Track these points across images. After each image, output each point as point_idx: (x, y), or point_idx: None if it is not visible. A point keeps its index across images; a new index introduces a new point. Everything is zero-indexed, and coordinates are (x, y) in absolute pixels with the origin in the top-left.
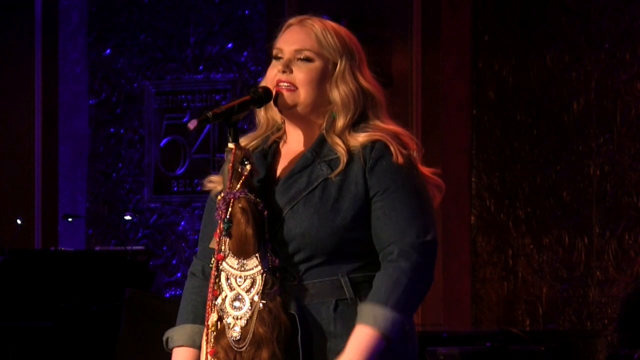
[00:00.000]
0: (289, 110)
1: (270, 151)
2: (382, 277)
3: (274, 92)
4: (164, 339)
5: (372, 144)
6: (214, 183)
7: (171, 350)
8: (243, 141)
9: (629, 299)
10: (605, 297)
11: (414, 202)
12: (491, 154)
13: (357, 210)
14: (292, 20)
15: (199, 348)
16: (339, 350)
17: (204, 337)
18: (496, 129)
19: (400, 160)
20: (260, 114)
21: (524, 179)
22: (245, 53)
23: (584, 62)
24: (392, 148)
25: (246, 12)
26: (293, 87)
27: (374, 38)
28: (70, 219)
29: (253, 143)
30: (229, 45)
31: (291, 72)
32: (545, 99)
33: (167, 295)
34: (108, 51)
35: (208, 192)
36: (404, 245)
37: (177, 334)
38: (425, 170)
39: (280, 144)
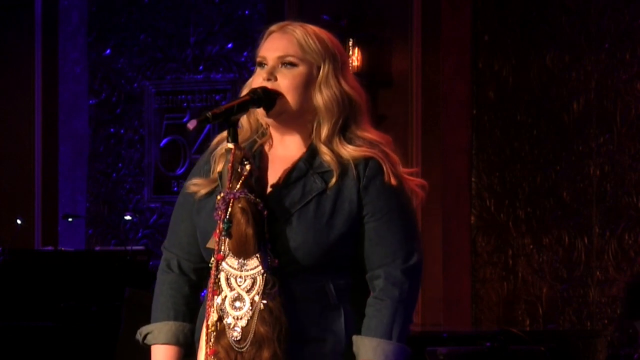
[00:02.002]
0: (277, 118)
1: (257, 155)
2: (381, 309)
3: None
4: (141, 334)
5: (366, 162)
6: (198, 186)
7: (149, 346)
8: None
9: (629, 295)
10: (605, 297)
11: (405, 225)
12: (491, 154)
13: (350, 228)
14: (272, 28)
15: (182, 346)
16: (322, 353)
17: (204, 337)
18: (496, 129)
19: (393, 181)
20: (243, 118)
21: (524, 179)
22: (245, 53)
23: (584, 62)
24: (385, 168)
25: (246, 12)
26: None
27: (374, 38)
28: (70, 219)
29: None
30: (229, 45)
31: (276, 79)
32: (545, 99)
33: None
34: (108, 51)
35: None
36: (394, 270)
37: (158, 330)
38: (406, 171)
39: (266, 147)
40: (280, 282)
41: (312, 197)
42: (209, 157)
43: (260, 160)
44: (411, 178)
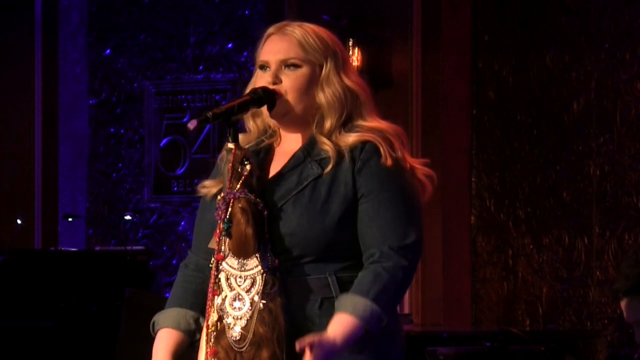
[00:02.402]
0: (282, 119)
1: (262, 150)
2: (363, 273)
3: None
4: (151, 324)
5: (362, 145)
6: (207, 188)
7: (156, 333)
8: None
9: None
10: (605, 297)
11: (399, 205)
12: (491, 154)
13: (346, 211)
14: (271, 30)
15: (184, 331)
16: None
17: (204, 337)
18: (496, 129)
19: (389, 162)
20: (249, 122)
21: (524, 179)
22: (245, 53)
23: (584, 62)
24: (381, 150)
25: (246, 12)
26: (281, 99)
27: (374, 38)
28: (70, 219)
29: (247, 147)
30: (229, 45)
31: (280, 82)
32: (545, 99)
33: (167, 295)
34: (108, 51)
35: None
36: (385, 248)
37: (161, 317)
38: (414, 162)
39: (275, 144)
40: (282, 276)
41: (307, 183)
42: (219, 160)
43: (266, 155)
44: (419, 167)
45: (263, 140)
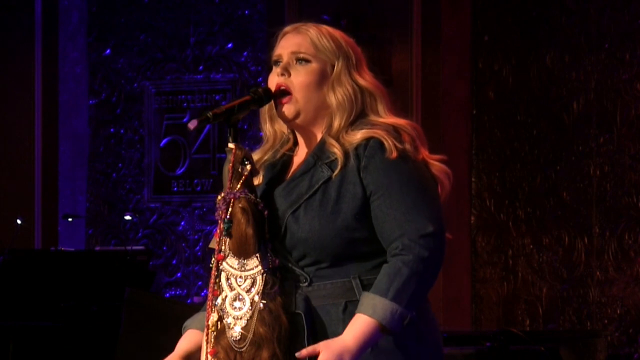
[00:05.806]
0: (291, 122)
1: (280, 161)
2: (384, 269)
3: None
4: (182, 329)
5: (367, 142)
6: None
7: None
8: (254, 156)
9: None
10: (605, 297)
11: (411, 195)
12: (491, 154)
13: (358, 210)
14: (287, 28)
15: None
16: None
17: (204, 337)
18: (496, 129)
19: (394, 155)
20: (267, 127)
21: (524, 179)
22: (245, 53)
23: (584, 62)
24: (386, 144)
25: (246, 12)
26: (291, 99)
27: (374, 38)
28: (70, 219)
29: (266, 157)
30: (229, 45)
31: (289, 75)
32: (545, 99)
33: (167, 295)
34: (108, 51)
35: (208, 192)
36: (404, 240)
37: (190, 320)
38: (430, 157)
39: (294, 153)
40: (297, 281)
41: (318, 187)
42: None
43: (282, 165)
44: (434, 163)
45: (278, 150)
